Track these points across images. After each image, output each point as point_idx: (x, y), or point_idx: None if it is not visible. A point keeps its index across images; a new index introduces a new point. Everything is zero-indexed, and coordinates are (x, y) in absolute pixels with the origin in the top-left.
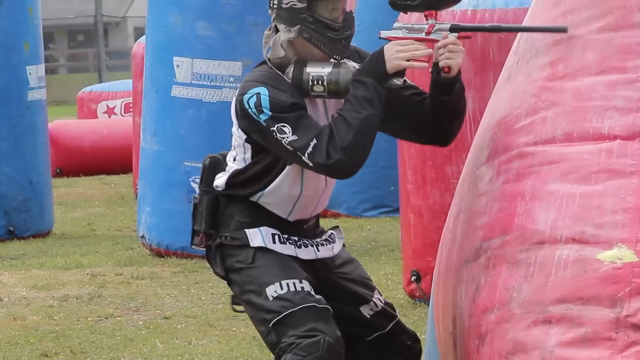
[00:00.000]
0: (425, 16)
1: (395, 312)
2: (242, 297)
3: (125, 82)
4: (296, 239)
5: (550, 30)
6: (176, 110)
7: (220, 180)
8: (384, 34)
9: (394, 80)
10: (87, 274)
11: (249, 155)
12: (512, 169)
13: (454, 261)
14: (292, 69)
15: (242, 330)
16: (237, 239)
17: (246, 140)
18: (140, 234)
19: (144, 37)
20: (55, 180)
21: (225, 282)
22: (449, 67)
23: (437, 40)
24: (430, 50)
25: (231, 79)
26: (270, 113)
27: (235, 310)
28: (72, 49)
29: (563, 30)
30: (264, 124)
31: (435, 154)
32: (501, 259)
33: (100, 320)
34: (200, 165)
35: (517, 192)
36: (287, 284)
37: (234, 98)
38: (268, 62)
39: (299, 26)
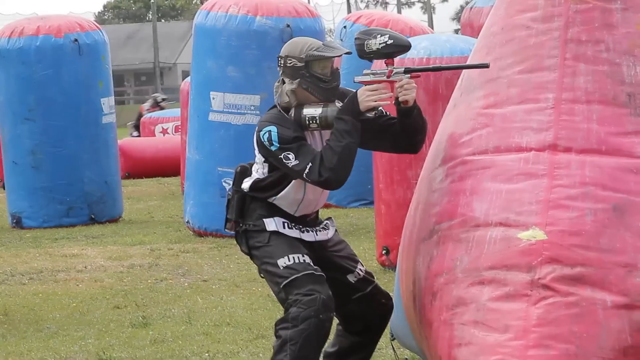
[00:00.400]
0: (386, 63)
1: (374, 278)
2: (261, 267)
3: (176, 110)
4: (301, 226)
5: (477, 66)
6: (212, 130)
7: (246, 184)
8: (357, 78)
9: (367, 114)
10: (148, 248)
11: (266, 170)
12: (457, 172)
13: (414, 239)
14: (292, 112)
15: (259, 289)
16: (258, 225)
17: (264, 161)
18: (186, 220)
19: (189, 77)
20: (124, 181)
21: (248, 257)
22: (406, 101)
23: (396, 81)
24: (391, 93)
25: (252, 108)
26: (279, 145)
27: (261, 277)
28: (137, 87)
29: (486, 66)
30: (275, 153)
31: (400, 162)
32: (448, 237)
33: (157, 282)
34: (230, 170)
35: (460, 189)
36: (293, 257)
37: (255, 132)
38: (277, 106)
39: (299, 80)
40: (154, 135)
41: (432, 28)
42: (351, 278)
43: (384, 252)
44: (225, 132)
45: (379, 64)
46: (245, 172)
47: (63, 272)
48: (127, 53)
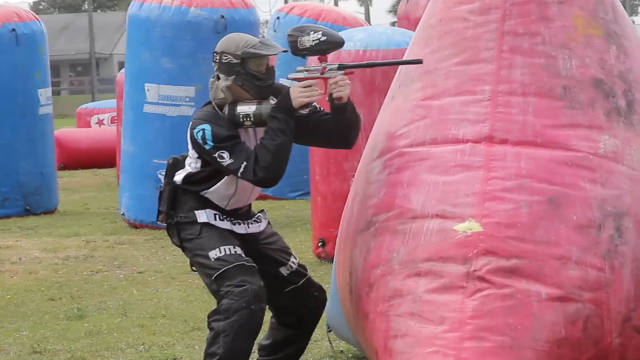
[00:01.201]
0: (319, 59)
1: (307, 271)
2: (193, 259)
3: (112, 101)
4: (232, 219)
5: (410, 62)
6: (147, 122)
7: (178, 177)
8: (290, 75)
9: (301, 111)
10: (83, 240)
11: (199, 165)
12: (395, 164)
13: (351, 231)
14: (226, 110)
15: (195, 281)
16: (189, 217)
17: (197, 156)
18: (122, 212)
19: (124, 68)
20: (60, 172)
21: (180, 249)
22: (340, 97)
23: (329, 78)
24: (323, 90)
25: (187, 99)
26: (213, 144)
27: (192, 270)
28: (72, 77)
29: (420, 61)
30: (209, 151)
31: (336, 154)
32: (385, 229)
33: (92, 274)
34: (165, 162)
35: (397, 181)
36: (224, 249)
37: (188, 128)
38: (212, 102)
39: (234, 76)
40: (90, 126)
41: (369, 20)
42: (284, 271)
43: (320, 244)
44: (160, 124)
45: (313, 61)
46: (177, 164)
47: None
48: (62, 43)
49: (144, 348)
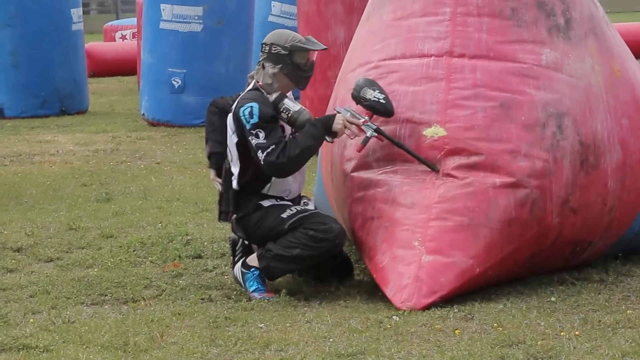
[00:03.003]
0: (367, 114)
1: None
2: (267, 234)
3: (133, 20)
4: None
5: (427, 165)
6: (162, 36)
7: (234, 183)
8: (338, 109)
9: (329, 136)
10: (110, 136)
11: (238, 166)
12: (371, 75)
13: None
14: (275, 95)
15: (204, 171)
16: (255, 208)
17: (238, 156)
18: (142, 112)
19: None
20: (90, 79)
21: (247, 241)
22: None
23: (363, 130)
24: (357, 133)
25: (196, 17)
26: (258, 120)
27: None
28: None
29: (436, 169)
30: (249, 128)
31: (321, 63)
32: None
33: (118, 164)
34: (177, 70)
35: None
36: (293, 208)
37: (232, 111)
38: (259, 87)
39: (281, 65)
40: (115, 41)
41: None
42: None
43: None
44: (174, 38)
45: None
46: (229, 173)
47: (38, 156)
48: None
49: (161, 226)
